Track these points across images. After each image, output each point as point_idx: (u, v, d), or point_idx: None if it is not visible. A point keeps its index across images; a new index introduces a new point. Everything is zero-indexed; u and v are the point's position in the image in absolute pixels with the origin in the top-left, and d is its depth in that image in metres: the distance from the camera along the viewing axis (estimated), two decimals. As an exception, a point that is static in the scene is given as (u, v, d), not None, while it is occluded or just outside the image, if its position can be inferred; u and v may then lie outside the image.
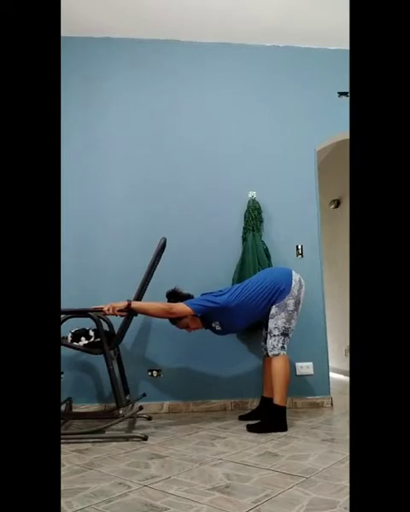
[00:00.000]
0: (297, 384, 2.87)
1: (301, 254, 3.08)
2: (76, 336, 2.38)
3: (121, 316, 2.34)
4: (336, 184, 4.65)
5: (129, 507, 1.35)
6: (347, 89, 3.26)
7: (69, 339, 2.39)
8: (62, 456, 1.91)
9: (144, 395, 2.73)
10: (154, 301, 2.41)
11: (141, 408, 2.46)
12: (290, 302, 2.40)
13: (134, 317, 2.42)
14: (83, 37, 3.22)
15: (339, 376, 4.30)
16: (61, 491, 1.47)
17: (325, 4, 2.92)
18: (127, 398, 2.60)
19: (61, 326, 2.40)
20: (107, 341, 2.34)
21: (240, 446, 2.03)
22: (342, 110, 3.20)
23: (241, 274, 2.87)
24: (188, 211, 3.08)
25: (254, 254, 2.90)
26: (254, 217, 3.02)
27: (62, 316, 2.49)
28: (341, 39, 3.14)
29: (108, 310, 2.27)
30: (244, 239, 3.01)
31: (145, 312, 2.36)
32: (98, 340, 2.36)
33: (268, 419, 2.35)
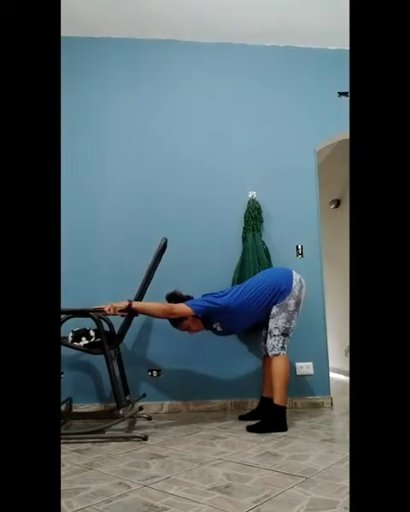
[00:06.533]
0: (297, 384, 2.87)
1: (301, 254, 3.08)
2: (77, 336, 2.39)
3: (122, 316, 2.34)
4: (336, 184, 4.65)
5: (129, 507, 1.35)
6: (347, 89, 3.26)
7: (70, 339, 2.39)
8: (62, 456, 1.91)
9: (144, 395, 2.73)
10: (155, 301, 2.42)
11: (141, 408, 2.46)
12: (291, 302, 2.40)
13: (135, 318, 2.42)
14: (83, 37, 3.22)
15: (339, 376, 4.30)
16: (61, 491, 1.47)
17: (325, 4, 2.93)
18: (127, 398, 2.60)
19: (62, 326, 2.40)
20: (107, 341, 2.34)
21: (240, 446, 2.03)
22: (342, 110, 3.19)
23: (241, 274, 2.87)
24: (188, 211, 3.08)
25: (254, 254, 2.90)
26: (254, 217, 3.02)
27: (63, 316, 2.49)
28: (341, 39, 3.13)
29: (109, 310, 2.26)
30: (244, 239, 3.01)
31: (146, 312, 2.36)
32: (99, 340, 2.36)
33: (268, 419, 2.35)
